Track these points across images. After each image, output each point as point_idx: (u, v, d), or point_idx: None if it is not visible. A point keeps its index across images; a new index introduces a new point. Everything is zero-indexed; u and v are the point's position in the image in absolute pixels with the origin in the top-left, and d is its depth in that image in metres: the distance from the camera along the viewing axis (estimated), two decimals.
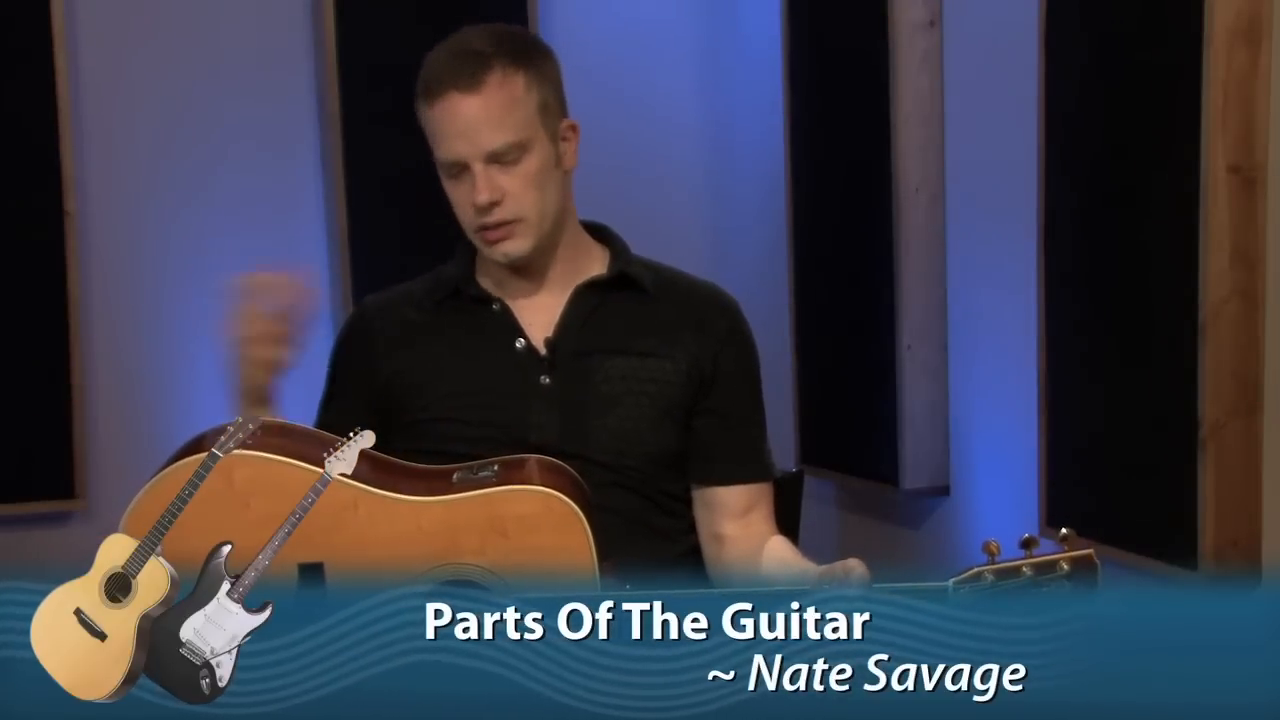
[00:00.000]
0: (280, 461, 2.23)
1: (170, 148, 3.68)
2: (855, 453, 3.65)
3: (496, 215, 2.31)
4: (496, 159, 2.30)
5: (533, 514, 2.20)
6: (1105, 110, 2.87)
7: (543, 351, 2.37)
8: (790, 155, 3.79)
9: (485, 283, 2.42)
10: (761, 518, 2.40)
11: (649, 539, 2.29)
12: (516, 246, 2.33)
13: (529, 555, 2.18)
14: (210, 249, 3.70)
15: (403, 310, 2.44)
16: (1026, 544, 2.12)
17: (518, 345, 2.38)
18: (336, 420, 2.40)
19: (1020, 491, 3.18)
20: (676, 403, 2.36)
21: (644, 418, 2.35)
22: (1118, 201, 2.85)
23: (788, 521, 2.55)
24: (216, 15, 3.70)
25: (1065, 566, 2.10)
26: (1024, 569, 2.11)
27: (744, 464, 2.42)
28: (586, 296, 2.40)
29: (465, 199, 2.33)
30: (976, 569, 2.14)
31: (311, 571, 2.21)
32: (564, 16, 3.66)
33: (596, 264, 2.44)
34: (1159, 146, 2.73)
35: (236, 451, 2.22)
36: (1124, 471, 2.86)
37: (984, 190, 3.34)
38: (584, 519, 2.18)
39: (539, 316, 2.39)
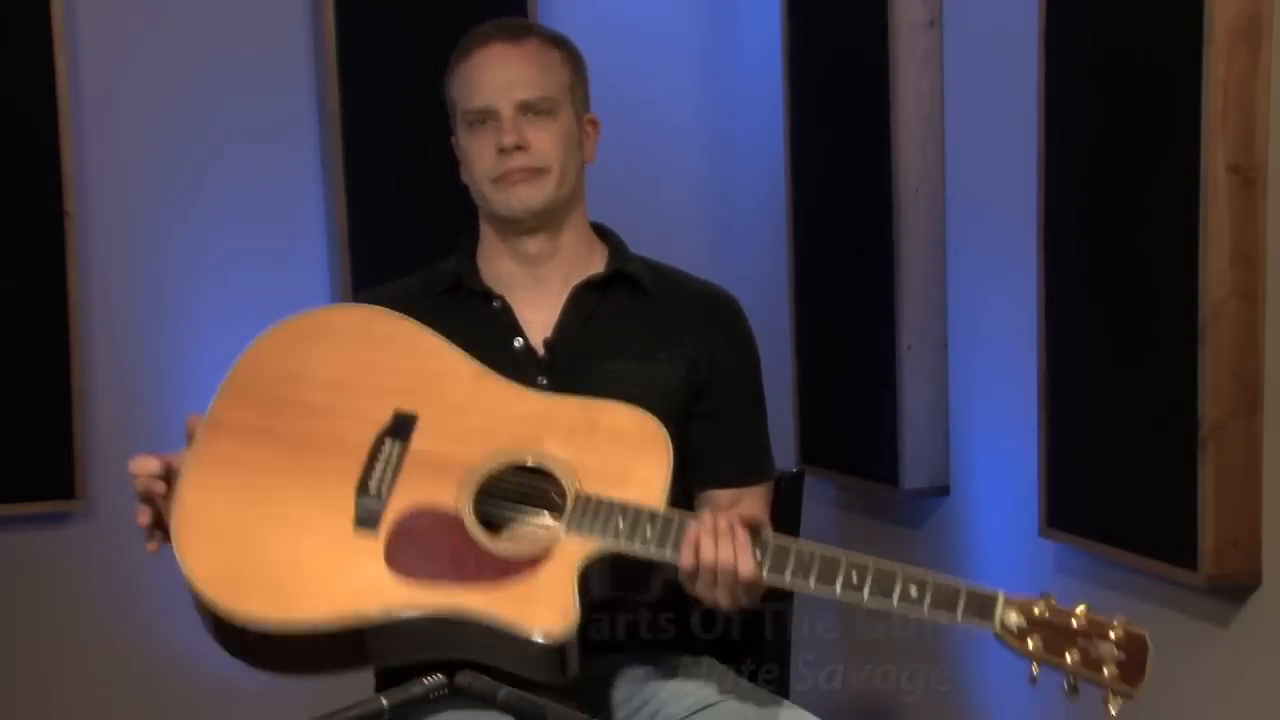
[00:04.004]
0: (416, 325, 2.32)
1: (170, 148, 3.68)
2: (855, 453, 3.65)
3: (520, 160, 2.34)
4: (529, 108, 2.35)
5: (626, 428, 2.24)
6: (1105, 110, 2.87)
7: (541, 352, 2.37)
8: (790, 155, 3.79)
9: (488, 277, 2.42)
10: (746, 508, 2.39)
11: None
12: (533, 194, 2.35)
13: (608, 460, 2.20)
14: (210, 249, 3.70)
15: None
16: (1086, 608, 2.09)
17: (516, 344, 2.38)
18: None
19: (1020, 491, 3.18)
20: (674, 407, 2.35)
21: None
22: (1118, 202, 2.85)
23: (788, 521, 2.55)
24: (216, 15, 3.70)
25: (1120, 633, 2.06)
26: (1077, 617, 2.07)
27: (738, 468, 2.41)
28: (585, 296, 2.40)
29: (487, 146, 2.36)
30: (1032, 597, 2.09)
31: (404, 420, 2.24)
32: (563, 16, 3.66)
33: (597, 262, 2.45)
34: (1159, 146, 2.73)
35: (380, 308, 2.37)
36: (1124, 471, 2.86)
37: (984, 190, 3.34)
38: (669, 449, 2.21)
39: (539, 316, 2.39)
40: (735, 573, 2.11)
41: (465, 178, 2.43)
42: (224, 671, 3.65)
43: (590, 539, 2.15)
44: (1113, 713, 2.05)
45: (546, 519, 2.21)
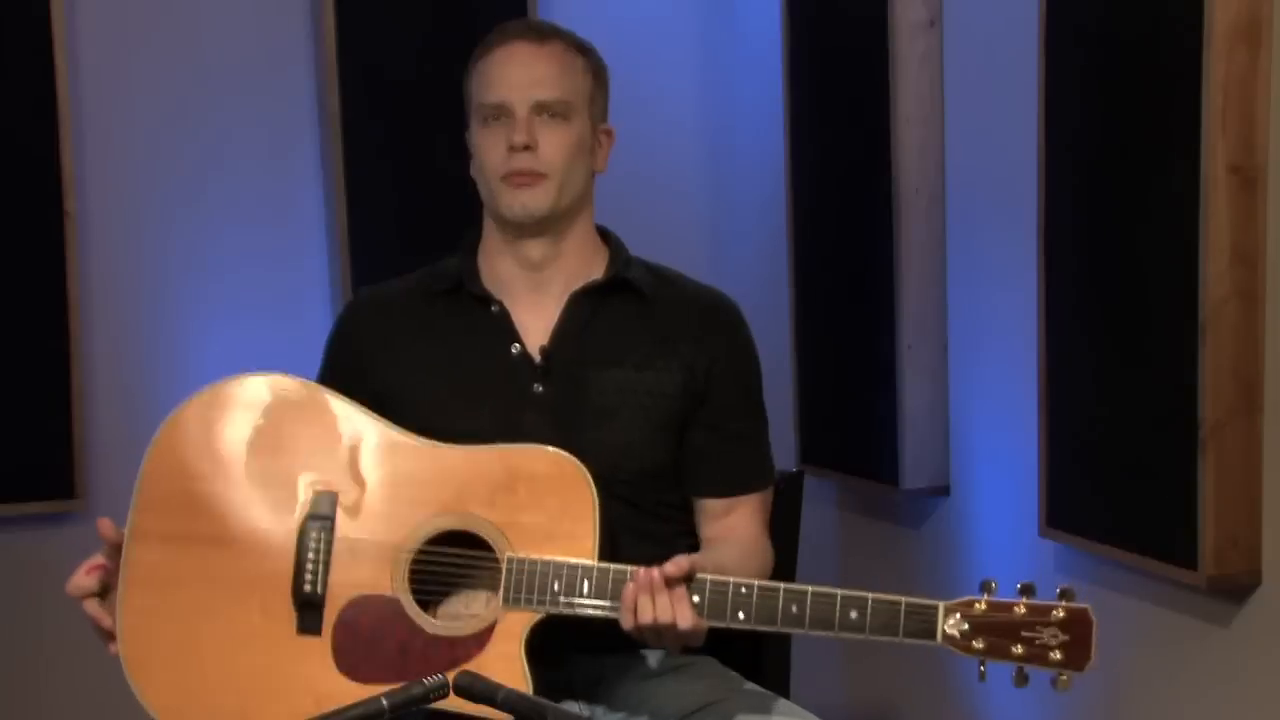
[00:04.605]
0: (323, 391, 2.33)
1: (170, 148, 3.68)
2: (855, 453, 3.65)
3: (528, 161, 2.33)
4: (544, 109, 2.34)
5: (546, 475, 2.23)
6: (1105, 110, 2.87)
7: (538, 359, 2.35)
8: (790, 155, 3.79)
9: (488, 280, 2.41)
10: (742, 520, 2.39)
11: (641, 545, 2.28)
12: (536, 200, 2.34)
13: (534, 515, 2.21)
14: (210, 249, 3.70)
15: (399, 306, 2.43)
16: (1025, 589, 2.12)
17: (513, 350, 2.36)
18: None
19: (1020, 491, 3.18)
20: (671, 416, 2.35)
21: (639, 432, 2.33)
22: (1118, 202, 2.85)
23: (788, 521, 2.55)
24: (216, 15, 3.70)
25: (1061, 614, 2.10)
26: (1018, 607, 2.11)
27: (734, 476, 2.41)
28: (583, 303, 2.38)
29: (498, 142, 2.34)
30: (971, 598, 2.13)
31: (323, 501, 2.24)
32: (563, 16, 3.65)
33: (598, 267, 2.43)
34: (1159, 146, 2.73)
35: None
36: (1124, 471, 2.86)
37: (984, 191, 3.34)
38: (592, 490, 2.20)
39: (537, 322, 2.38)
40: (675, 627, 2.13)
41: (474, 172, 2.42)
42: None
43: (529, 611, 2.18)
44: (1065, 691, 2.10)
45: (483, 594, 2.23)
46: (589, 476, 2.21)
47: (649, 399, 2.33)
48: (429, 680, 1.76)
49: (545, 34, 2.41)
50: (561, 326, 2.37)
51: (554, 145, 2.34)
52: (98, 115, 3.62)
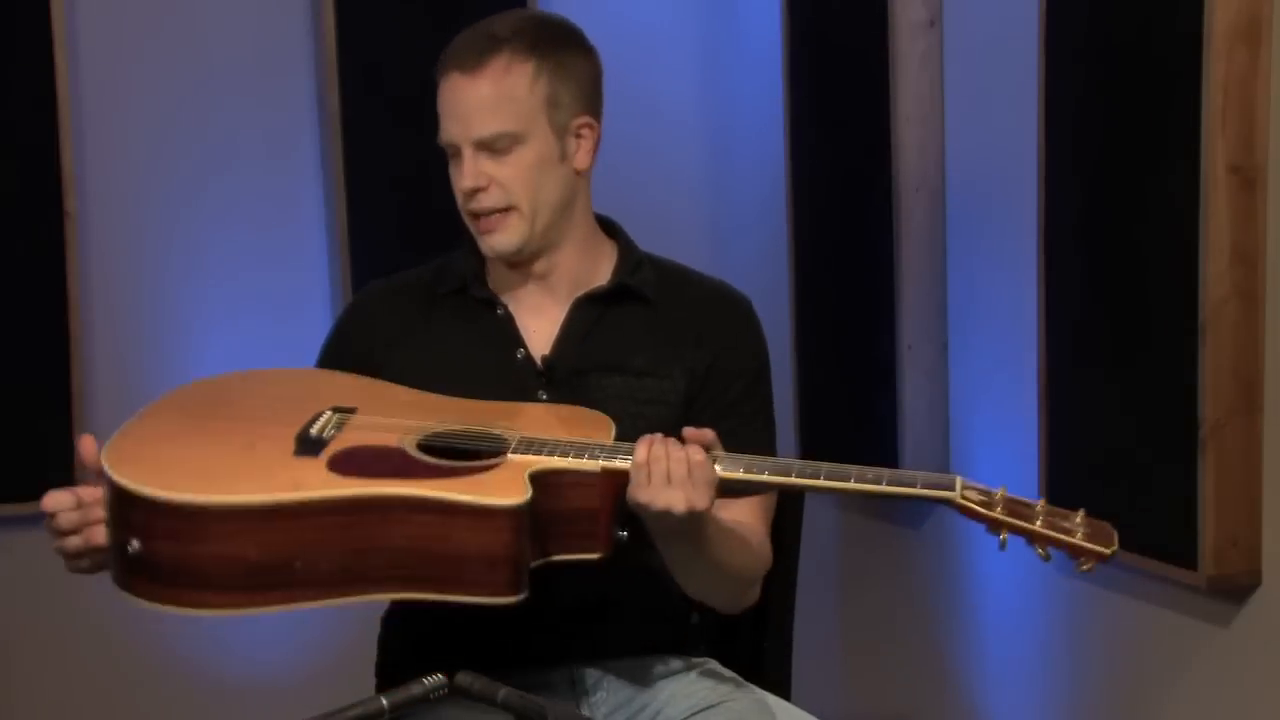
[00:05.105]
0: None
1: (170, 148, 3.68)
2: (855, 452, 3.64)
3: (480, 202, 2.26)
4: (486, 146, 2.25)
5: (565, 411, 2.23)
6: (1105, 110, 2.87)
7: (541, 366, 2.34)
8: (790, 155, 3.79)
9: (493, 283, 2.38)
10: (741, 514, 2.37)
11: (639, 550, 2.26)
12: (503, 240, 2.28)
13: (553, 429, 2.17)
14: (210, 249, 3.70)
15: (410, 303, 2.40)
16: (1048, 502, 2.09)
17: (518, 355, 2.35)
18: None
19: (1020, 491, 3.13)
20: (673, 420, 2.32)
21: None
22: (1117, 201, 2.85)
23: (789, 522, 2.55)
24: (216, 15, 3.70)
25: (1080, 519, 2.06)
26: (1039, 505, 2.07)
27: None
28: (586, 310, 2.35)
29: (458, 179, 2.28)
30: (993, 490, 2.09)
31: (342, 410, 2.21)
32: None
33: (604, 266, 2.38)
34: (1159, 146, 2.73)
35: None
36: (1124, 471, 2.86)
37: (984, 191, 3.34)
38: (611, 423, 2.19)
39: (542, 326, 2.34)
40: (687, 461, 2.06)
41: None
42: (223, 672, 3.67)
43: (538, 457, 2.09)
44: (1090, 572, 2.03)
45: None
46: (612, 422, 2.19)
47: (649, 407, 2.30)
48: (429, 680, 1.76)
49: (481, 54, 2.27)
50: (564, 335, 2.34)
51: (509, 177, 2.26)
52: (98, 115, 3.62)
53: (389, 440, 2.13)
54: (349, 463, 2.08)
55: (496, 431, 2.16)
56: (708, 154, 4.04)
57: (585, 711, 2.34)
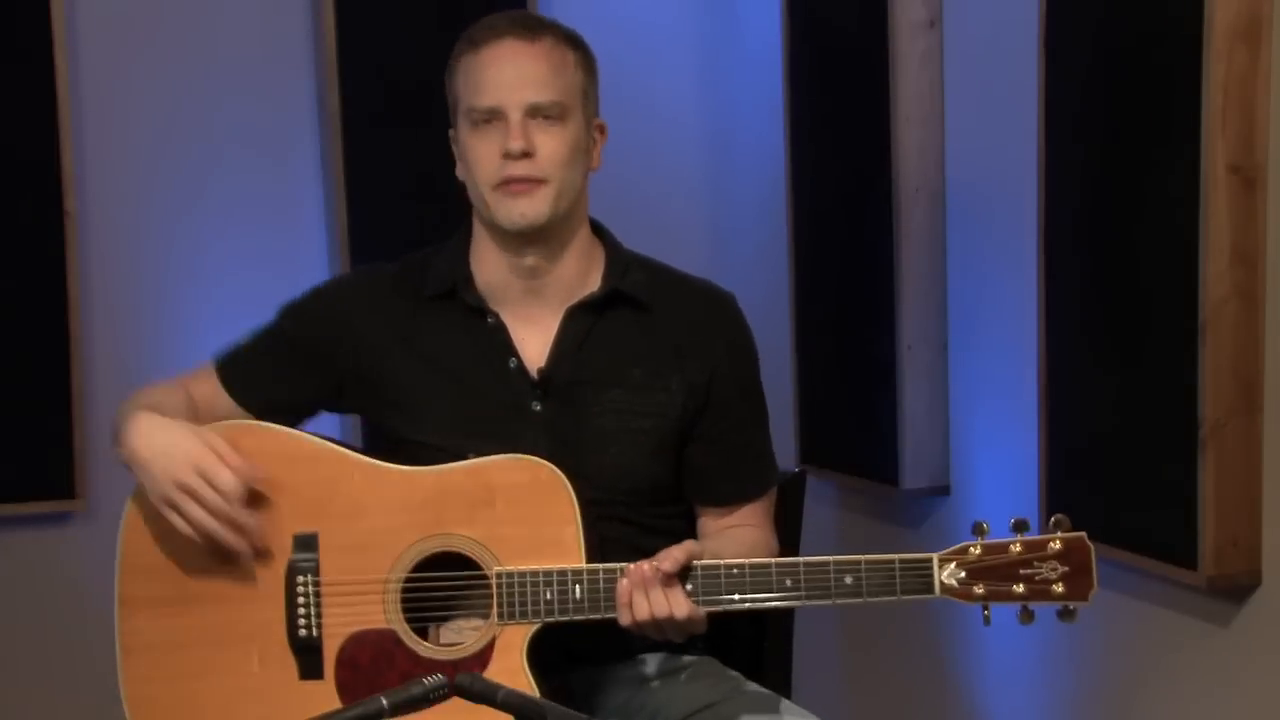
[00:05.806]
0: (288, 433, 2.28)
1: (170, 148, 3.68)
2: (855, 453, 3.65)
3: (525, 168, 2.24)
4: (539, 112, 2.24)
5: (521, 483, 2.20)
6: (1105, 110, 2.87)
7: (535, 377, 2.31)
8: (790, 155, 3.79)
9: (482, 288, 2.33)
10: (744, 519, 2.37)
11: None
12: (534, 207, 2.25)
13: (515, 527, 2.19)
14: (210, 249, 3.70)
15: (392, 301, 2.36)
16: (1018, 526, 2.12)
17: (511, 365, 2.32)
18: (276, 390, 2.37)
19: (1020, 491, 3.18)
20: (671, 434, 2.31)
21: (639, 454, 2.29)
22: (1117, 201, 2.85)
23: (789, 522, 2.55)
24: (216, 15, 3.70)
25: (1057, 545, 2.10)
26: (1014, 546, 2.10)
27: (736, 486, 2.38)
28: (580, 319, 2.31)
29: (492, 148, 2.24)
30: (965, 544, 2.13)
31: (305, 543, 2.23)
32: (563, 16, 3.65)
33: (595, 273, 2.35)
34: (1159, 146, 2.73)
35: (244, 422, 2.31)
36: (1124, 471, 2.86)
37: (984, 191, 3.34)
38: (570, 492, 2.19)
39: (535, 335, 2.31)
40: (673, 618, 2.12)
41: (462, 175, 2.32)
42: None
43: (525, 623, 2.17)
44: (1073, 622, 2.10)
45: (479, 612, 2.22)
46: (564, 478, 2.19)
47: (648, 421, 2.29)
48: (429, 680, 1.76)
49: (535, 29, 2.29)
50: (559, 345, 2.31)
51: (551, 149, 2.24)
52: (98, 115, 3.62)
53: (376, 619, 2.21)
54: (355, 675, 2.19)
55: (469, 555, 2.20)
56: (707, 154, 4.04)
57: (585, 711, 2.34)
